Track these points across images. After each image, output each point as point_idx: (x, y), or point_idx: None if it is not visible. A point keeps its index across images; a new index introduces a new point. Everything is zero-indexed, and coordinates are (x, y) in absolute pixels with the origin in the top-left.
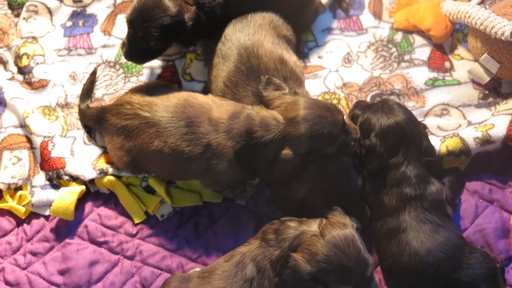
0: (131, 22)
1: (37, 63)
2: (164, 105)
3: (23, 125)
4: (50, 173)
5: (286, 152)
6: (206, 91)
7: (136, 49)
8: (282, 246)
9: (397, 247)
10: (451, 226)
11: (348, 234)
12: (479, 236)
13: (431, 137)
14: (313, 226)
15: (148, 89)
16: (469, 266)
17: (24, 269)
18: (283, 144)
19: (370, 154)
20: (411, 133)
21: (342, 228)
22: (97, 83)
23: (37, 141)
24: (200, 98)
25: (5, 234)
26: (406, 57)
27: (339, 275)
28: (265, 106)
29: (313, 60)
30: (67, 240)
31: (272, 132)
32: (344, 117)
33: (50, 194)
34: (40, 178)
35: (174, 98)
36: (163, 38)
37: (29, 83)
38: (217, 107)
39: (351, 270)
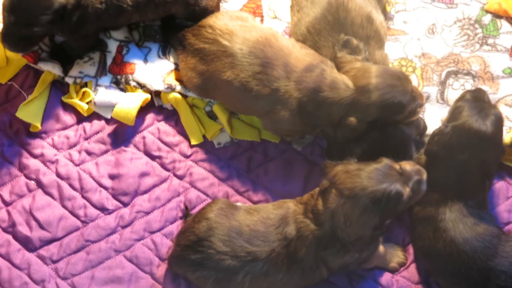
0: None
1: None
2: (245, 38)
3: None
4: (118, 76)
5: (353, 119)
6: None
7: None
8: (323, 229)
9: (433, 232)
10: (490, 217)
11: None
12: None
13: None
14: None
15: (231, 18)
16: (504, 254)
17: (77, 165)
18: (349, 109)
19: (439, 139)
20: (486, 150)
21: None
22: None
23: (114, 45)
24: (282, 40)
25: (65, 128)
26: (490, 41)
27: None
28: (336, 67)
29: (398, 23)
30: (122, 147)
31: (339, 96)
32: (412, 84)
33: (113, 95)
34: (106, 79)
35: (256, 34)
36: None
37: None
38: (296, 54)
39: None
